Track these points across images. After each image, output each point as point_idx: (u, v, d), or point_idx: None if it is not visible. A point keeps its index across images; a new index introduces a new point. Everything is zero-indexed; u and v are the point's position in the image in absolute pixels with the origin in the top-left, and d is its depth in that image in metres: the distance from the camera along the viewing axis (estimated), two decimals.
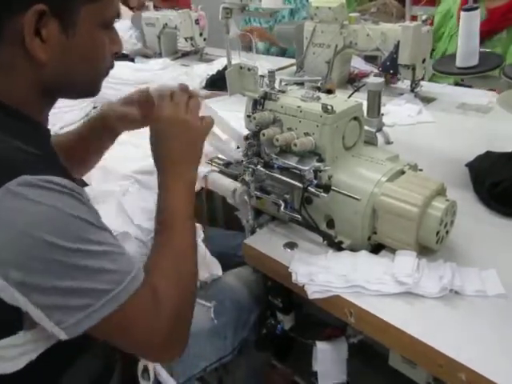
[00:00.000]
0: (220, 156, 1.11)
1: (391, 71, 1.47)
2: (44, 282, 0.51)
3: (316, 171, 0.81)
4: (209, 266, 0.95)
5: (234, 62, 1.44)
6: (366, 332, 0.73)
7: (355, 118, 0.86)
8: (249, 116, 0.90)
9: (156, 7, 2.48)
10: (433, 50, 1.72)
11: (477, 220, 0.89)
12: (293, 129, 0.85)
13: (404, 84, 1.63)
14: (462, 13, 0.99)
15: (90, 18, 0.60)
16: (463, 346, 0.63)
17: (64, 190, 0.54)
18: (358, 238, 0.81)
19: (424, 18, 1.43)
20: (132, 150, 1.25)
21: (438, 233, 0.75)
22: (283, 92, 0.89)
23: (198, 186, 1.00)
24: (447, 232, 0.78)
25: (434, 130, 1.34)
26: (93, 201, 0.99)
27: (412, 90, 1.57)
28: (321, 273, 0.76)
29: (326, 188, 0.80)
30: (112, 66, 0.69)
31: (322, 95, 0.87)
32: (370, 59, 1.94)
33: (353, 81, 1.76)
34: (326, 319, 0.90)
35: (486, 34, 1.62)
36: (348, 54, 1.70)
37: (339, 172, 0.82)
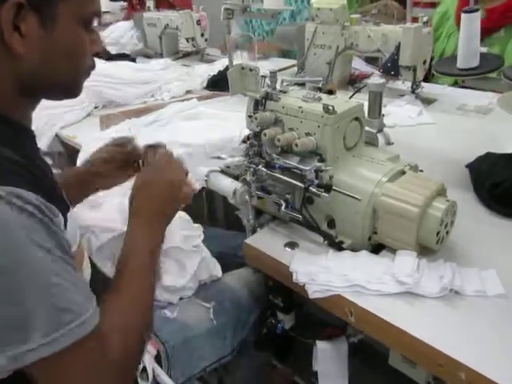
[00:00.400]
0: (221, 156, 1.11)
1: (392, 72, 1.47)
2: None
3: (317, 171, 0.81)
4: (209, 267, 0.95)
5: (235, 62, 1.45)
6: (366, 331, 0.73)
7: (356, 119, 0.86)
8: (250, 116, 0.90)
9: (158, 7, 2.48)
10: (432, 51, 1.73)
11: (477, 220, 0.89)
12: (294, 129, 0.86)
13: (405, 85, 1.63)
14: (463, 14, 0.99)
15: (69, 14, 0.59)
16: (463, 345, 0.63)
17: (27, 208, 0.50)
18: (359, 237, 0.81)
19: (425, 19, 1.43)
20: None
21: (438, 233, 0.75)
22: (284, 92, 0.90)
23: (198, 186, 1.00)
24: (447, 232, 0.79)
25: (435, 130, 1.35)
26: (93, 201, 1.01)
27: (413, 92, 1.57)
28: (321, 272, 0.76)
29: (327, 188, 0.80)
30: (93, 66, 0.68)
31: (323, 96, 0.88)
32: (370, 60, 1.95)
33: (353, 82, 1.77)
34: (326, 319, 0.90)
35: (485, 33, 1.62)
36: (349, 55, 1.70)
37: (340, 172, 0.82)
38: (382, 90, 1.12)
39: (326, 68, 1.66)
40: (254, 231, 0.95)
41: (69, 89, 0.67)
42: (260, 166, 0.89)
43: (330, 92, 1.19)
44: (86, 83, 0.69)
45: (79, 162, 1.23)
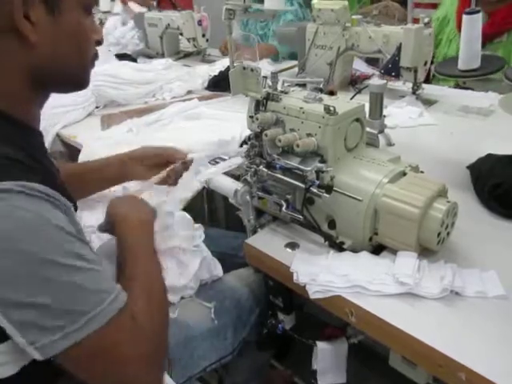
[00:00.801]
0: (222, 156, 1.11)
1: (393, 73, 1.47)
2: (19, 296, 0.49)
3: (318, 172, 0.81)
4: (209, 267, 0.95)
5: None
6: (367, 332, 0.73)
7: (357, 120, 0.86)
8: (251, 117, 0.90)
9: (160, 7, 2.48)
10: (433, 56, 1.72)
11: (478, 221, 0.89)
12: (295, 130, 0.86)
13: (406, 86, 1.63)
14: (464, 16, 0.99)
15: (72, 0, 0.61)
16: (463, 346, 0.63)
17: (49, 199, 0.52)
18: (360, 238, 0.81)
19: (426, 20, 1.43)
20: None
21: (439, 234, 0.75)
22: (286, 93, 0.90)
23: (199, 186, 1.00)
24: (448, 233, 0.79)
25: (436, 132, 1.35)
26: (91, 200, 1.01)
27: (414, 93, 1.57)
28: (322, 273, 0.76)
29: (328, 189, 0.80)
30: (97, 56, 0.69)
31: (325, 96, 0.88)
32: (371, 61, 1.95)
33: (354, 83, 1.77)
34: (326, 319, 0.90)
35: (488, 38, 1.63)
36: (350, 56, 1.70)
37: (341, 173, 0.82)
38: (383, 91, 1.12)
39: (326, 69, 1.66)
40: (254, 231, 0.95)
41: (78, 78, 0.68)
42: (261, 167, 0.89)
43: (331, 93, 1.19)
44: None
45: (80, 162, 1.23)
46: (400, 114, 1.43)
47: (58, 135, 1.56)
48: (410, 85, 1.57)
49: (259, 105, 0.90)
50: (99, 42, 0.69)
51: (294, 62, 1.98)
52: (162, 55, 2.35)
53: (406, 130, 1.35)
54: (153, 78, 1.83)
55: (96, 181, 1.01)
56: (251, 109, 0.92)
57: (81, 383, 0.60)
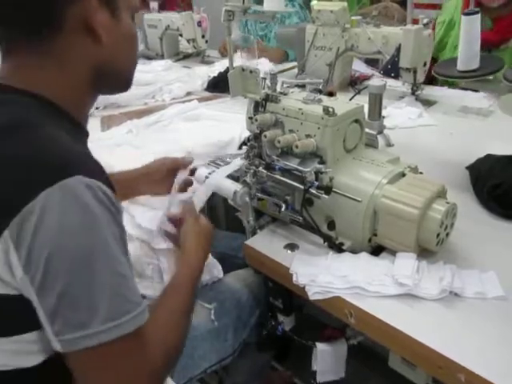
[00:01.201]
0: (222, 157, 1.11)
1: (392, 74, 1.48)
2: (60, 284, 0.50)
3: (317, 173, 0.82)
4: (209, 268, 0.95)
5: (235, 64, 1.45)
6: (366, 333, 0.73)
7: (356, 121, 0.86)
8: (250, 118, 0.90)
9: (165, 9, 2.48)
10: (436, 60, 1.71)
11: (477, 222, 0.89)
12: (294, 131, 0.86)
13: (405, 87, 1.63)
14: (463, 17, 0.99)
15: (124, 5, 0.65)
16: (463, 347, 0.63)
17: (110, 206, 0.54)
18: (359, 239, 0.81)
19: (425, 21, 1.43)
20: (132, 150, 1.26)
21: (438, 235, 0.75)
22: (285, 94, 0.90)
23: (209, 193, 1.00)
24: (447, 234, 0.79)
25: (435, 132, 1.35)
26: None
27: (413, 93, 1.58)
28: (321, 274, 0.76)
29: (327, 190, 0.80)
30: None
31: (324, 98, 0.88)
32: (371, 62, 1.95)
33: (354, 83, 1.77)
34: (325, 321, 0.90)
35: (493, 45, 1.62)
36: (349, 57, 1.71)
37: (340, 174, 0.83)
38: (382, 92, 1.13)
39: (326, 70, 1.66)
40: (254, 233, 0.95)
41: (127, 80, 0.73)
42: (260, 168, 0.89)
43: (331, 94, 1.19)
44: None
45: None
46: (399, 115, 1.43)
47: None
48: (409, 85, 1.57)
49: (258, 106, 0.90)
50: None
51: (294, 63, 1.98)
52: (162, 56, 2.35)
53: (406, 130, 1.35)
54: (152, 79, 1.83)
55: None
56: (250, 110, 0.92)
57: None
